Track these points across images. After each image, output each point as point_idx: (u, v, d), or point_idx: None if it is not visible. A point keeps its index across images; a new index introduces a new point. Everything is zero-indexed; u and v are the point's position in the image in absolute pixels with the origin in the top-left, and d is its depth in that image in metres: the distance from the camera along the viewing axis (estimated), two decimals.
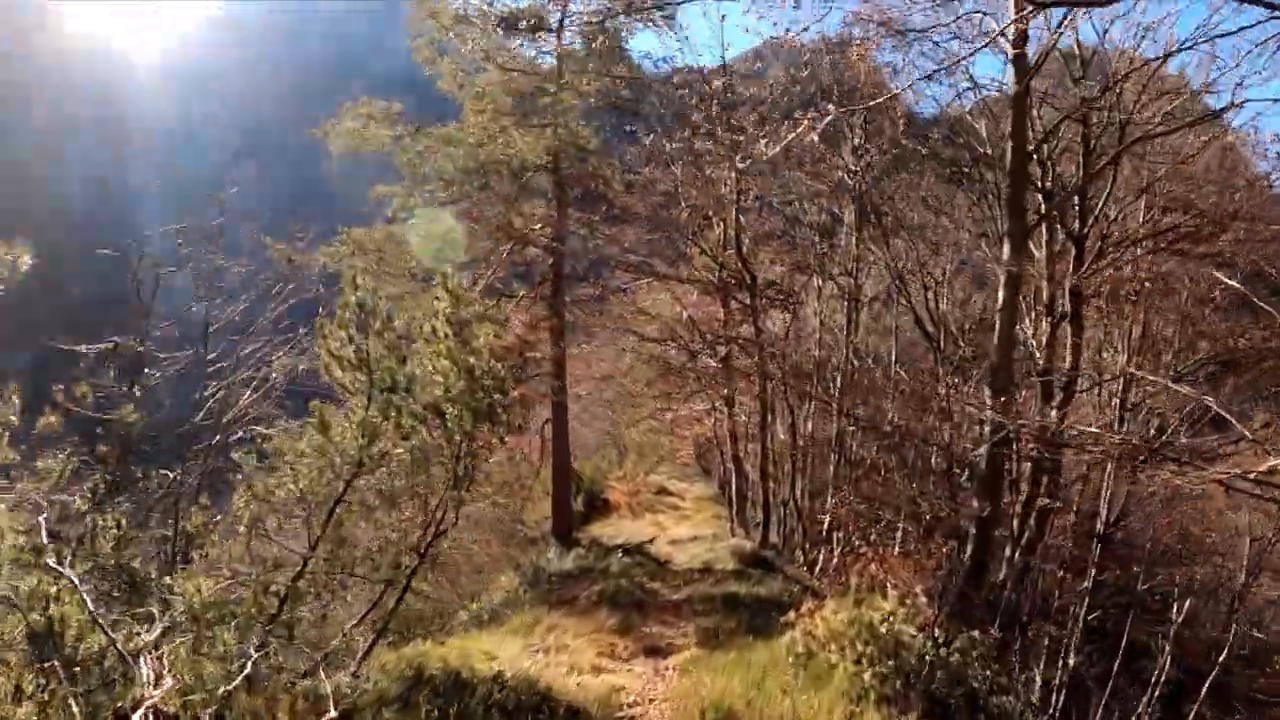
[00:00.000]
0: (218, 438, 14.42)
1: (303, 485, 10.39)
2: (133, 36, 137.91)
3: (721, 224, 26.04)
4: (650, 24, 24.86)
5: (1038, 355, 19.42)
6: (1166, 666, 14.89)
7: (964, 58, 15.31)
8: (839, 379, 25.39)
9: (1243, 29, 10.61)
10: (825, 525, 24.71)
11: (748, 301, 24.12)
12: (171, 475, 13.25)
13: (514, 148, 23.54)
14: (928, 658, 11.07)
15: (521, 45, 25.64)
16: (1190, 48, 14.59)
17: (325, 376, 11.01)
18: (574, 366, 29.64)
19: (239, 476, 11.32)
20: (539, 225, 25.96)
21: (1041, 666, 18.75)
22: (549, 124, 25.06)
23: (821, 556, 24.36)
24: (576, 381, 30.88)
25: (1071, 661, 18.56)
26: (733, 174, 24.73)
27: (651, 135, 26.05)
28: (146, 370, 13.60)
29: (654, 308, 27.90)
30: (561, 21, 25.22)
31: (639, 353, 27.91)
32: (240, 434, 14.85)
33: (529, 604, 19.77)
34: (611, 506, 37.87)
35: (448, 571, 28.09)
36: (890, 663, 11.12)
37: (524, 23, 24.82)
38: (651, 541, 26.80)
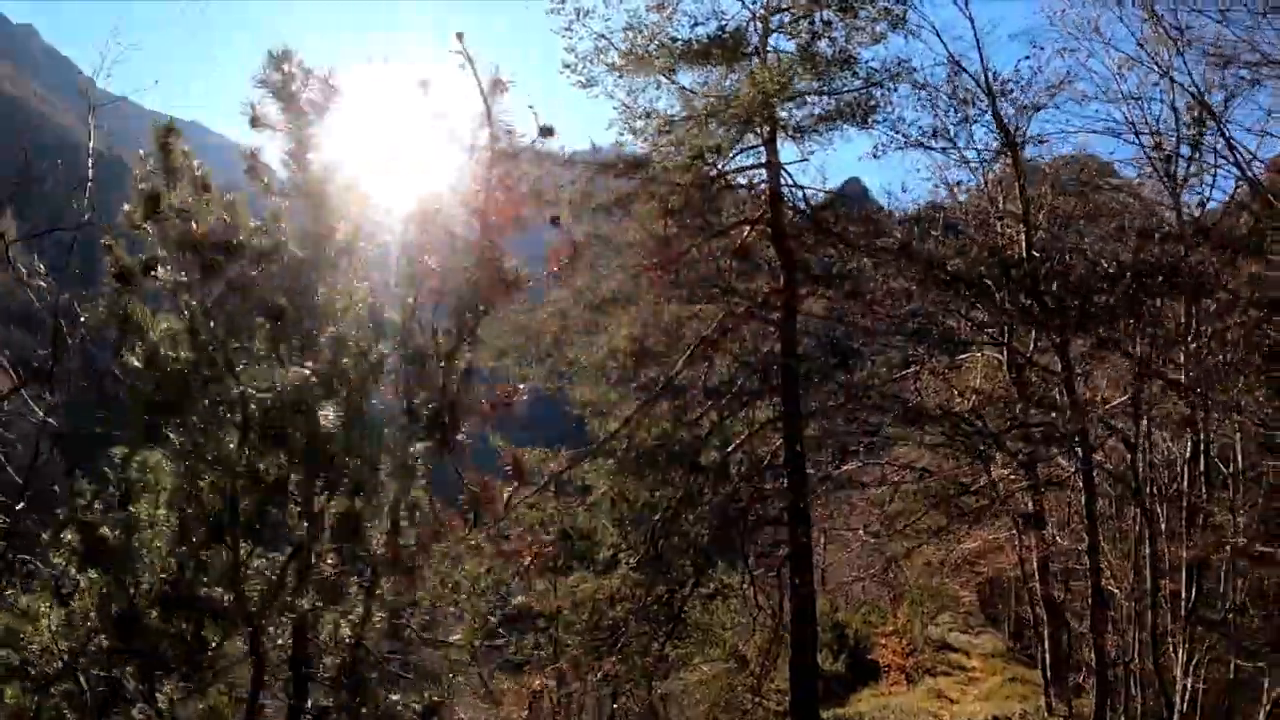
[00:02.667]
0: None
1: None
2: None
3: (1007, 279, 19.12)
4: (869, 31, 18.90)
5: None
6: None
7: None
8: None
9: None
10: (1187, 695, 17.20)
11: (1059, 369, 16.97)
12: None
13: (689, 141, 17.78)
14: None
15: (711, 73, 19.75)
16: None
17: None
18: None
19: None
20: (764, 294, 19.85)
21: None
22: (761, 165, 19.24)
23: None
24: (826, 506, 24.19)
25: None
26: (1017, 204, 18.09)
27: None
28: None
29: (923, 401, 20.83)
30: (764, 38, 19.26)
31: (908, 465, 20.89)
32: None
33: None
34: (880, 669, 30.52)
35: None
36: None
37: (716, 51, 18.93)
38: None
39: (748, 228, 20.38)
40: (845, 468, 22.59)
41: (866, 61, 19.14)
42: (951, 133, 18.60)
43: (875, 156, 19.45)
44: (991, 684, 28.87)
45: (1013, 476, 19.65)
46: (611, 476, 19.23)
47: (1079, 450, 17.03)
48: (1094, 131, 18.84)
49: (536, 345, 20.06)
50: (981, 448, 18.84)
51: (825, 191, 20.12)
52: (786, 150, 20.29)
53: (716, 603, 23.77)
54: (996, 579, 35.15)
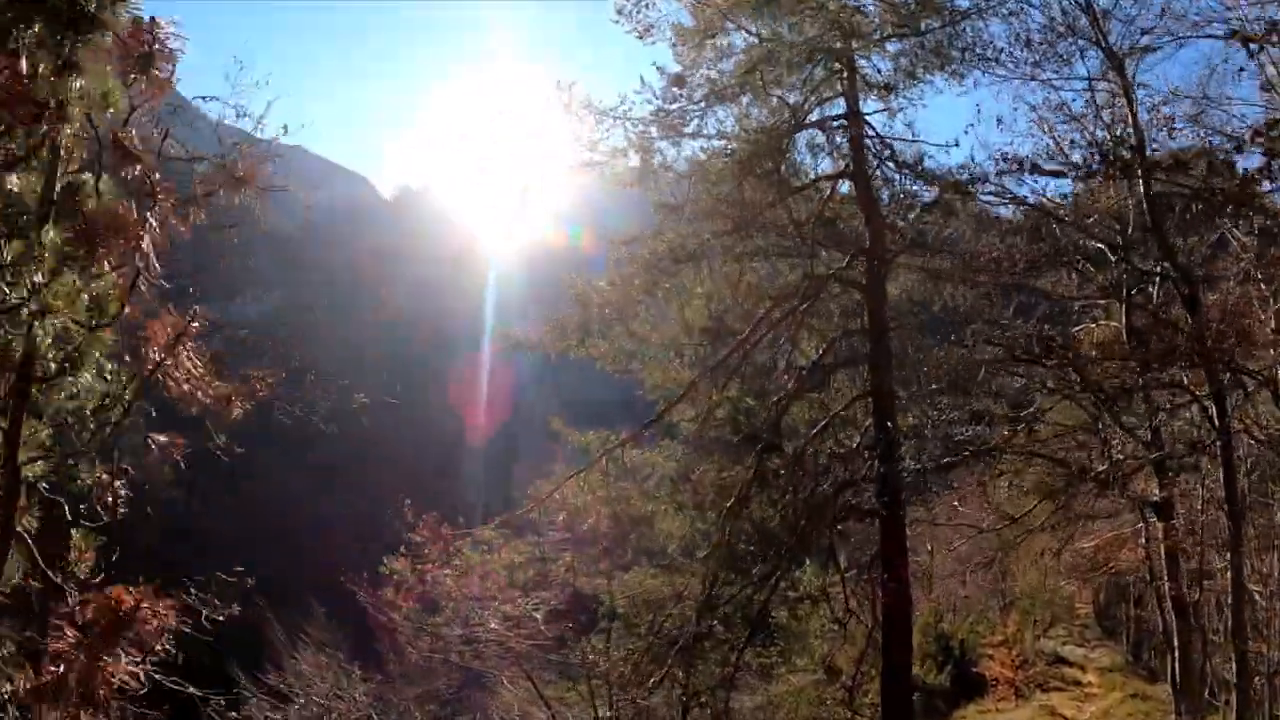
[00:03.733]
0: None
1: None
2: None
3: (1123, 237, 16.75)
4: None
5: None
6: None
7: None
8: None
9: None
10: None
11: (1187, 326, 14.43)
12: None
13: None
14: None
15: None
16: None
17: None
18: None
19: None
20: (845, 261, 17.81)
21: None
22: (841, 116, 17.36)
23: None
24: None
25: None
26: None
27: None
28: None
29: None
30: None
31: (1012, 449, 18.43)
32: None
33: None
34: (987, 684, 28.00)
35: None
36: None
37: None
38: None
39: (829, 183, 18.35)
40: (949, 460, 20.09)
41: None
42: (1050, 53, 15.87)
43: (960, 79, 16.78)
44: (1110, 701, 26.33)
45: (1135, 457, 17.24)
46: (677, 460, 17.37)
47: (1214, 419, 14.45)
48: (1211, 37, 15.19)
49: (600, 317, 18.34)
50: (1097, 411, 16.43)
51: (914, 140, 17.76)
52: (871, 106, 18.29)
53: (805, 606, 21.67)
54: (1115, 587, 32.36)
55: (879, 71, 17.98)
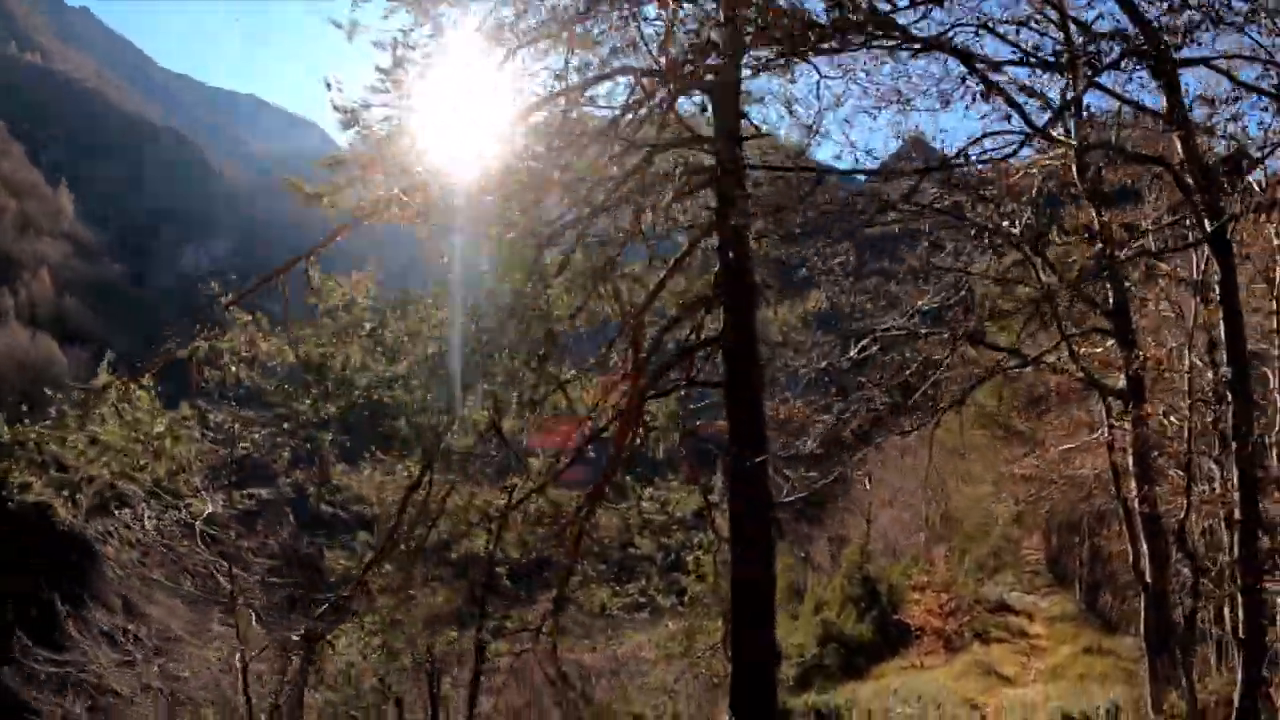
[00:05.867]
0: None
1: None
2: None
3: None
4: None
5: None
6: None
7: None
8: None
9: None
10: None
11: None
12: None
13: None
14: None
15: None
16: None
17: None
18: None
19: None
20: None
21: None
22: None
23: None
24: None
25: None
26: None
27: None
28: None
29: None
30: None
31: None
32: None
33: None
34: (913, 633, 23.25)
35: None
36: None
37: None
38: None
39: None
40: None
41: None
42: None
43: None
44: (1061, 656, 21.58)
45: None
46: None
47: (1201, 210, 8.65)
48: None
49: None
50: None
51: None
52: None
53: (676, 533, 16.48)
54: (1067, 527, 27.61)
55: None
